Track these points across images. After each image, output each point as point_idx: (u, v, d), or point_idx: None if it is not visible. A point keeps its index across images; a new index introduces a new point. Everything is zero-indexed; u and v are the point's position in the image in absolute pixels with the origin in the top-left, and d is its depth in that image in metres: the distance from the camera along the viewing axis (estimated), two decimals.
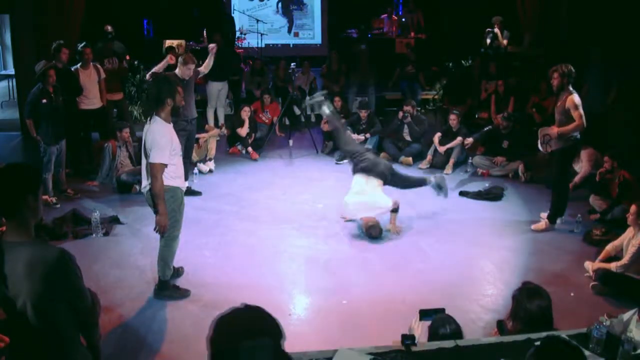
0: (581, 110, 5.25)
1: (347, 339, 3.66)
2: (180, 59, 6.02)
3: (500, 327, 3.23)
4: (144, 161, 4.10)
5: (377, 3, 12.28)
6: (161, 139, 3.93)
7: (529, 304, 2.88)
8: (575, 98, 5.25)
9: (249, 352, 1.52)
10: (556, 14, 9.58)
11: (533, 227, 5.77)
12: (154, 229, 4.11)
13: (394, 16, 12.22)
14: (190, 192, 6.32)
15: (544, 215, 5.88)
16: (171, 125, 4.13)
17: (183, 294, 4.45)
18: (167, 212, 4.06)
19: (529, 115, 8.46)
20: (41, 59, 6.40)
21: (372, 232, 5.50)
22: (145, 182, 4.14)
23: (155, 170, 3.93)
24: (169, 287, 4.42)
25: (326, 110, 6.29)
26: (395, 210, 5.64)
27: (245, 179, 7.19)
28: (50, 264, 2.05)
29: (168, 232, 4.17)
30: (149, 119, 4.11)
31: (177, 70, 6.01)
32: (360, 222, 5.71)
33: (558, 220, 5.75)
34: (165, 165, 3.97)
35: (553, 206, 5.72)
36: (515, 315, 2.95)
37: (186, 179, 6.05)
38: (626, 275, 4.45)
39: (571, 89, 5.33)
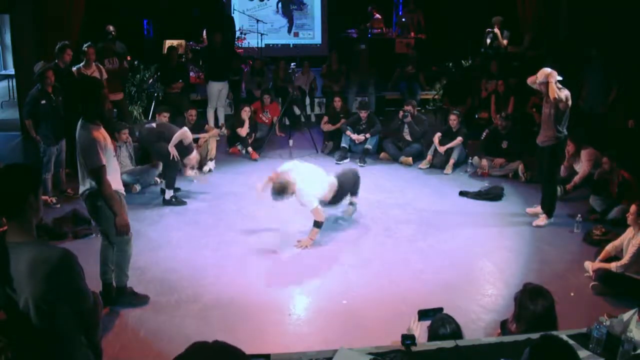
0: (558, 93, 5.39)
1: (347, 339, 3.66)
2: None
3: (503, 328, 3.22)
4: (80, 167, 3.97)
5: (376, 3, 12.26)
6: (90, 142, 3.80)
7: (533, 304, 2.87)
8: (565, 91, 5.48)
9: None
10: (556, 14, 9.58)
11: (534, 223, 5.87)
12: (116, 234, 3.98)
13: (376, 13, 12.09)
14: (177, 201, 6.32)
15: (531, 210, 6.10)
16: (100, 126, 3.93)
17: (142, 300, 4.32)
18: (109, 215, 3.94)
19: (529, 115, 8.46)
20: (41, 59, 6.40)
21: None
22: (83, 188, 4.00)
23: (98, 174, 3.80)
24: (126, 293, 4.29)
25: None
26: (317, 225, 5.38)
27: (245, 179, 7.18)
28: (53, 263, 2.05)
29: (117, 237, 4.06)
30: (79, 123, 3.93)
31: None
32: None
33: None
34: (104, 167, 3.81)
35: (548, 202, 5.88)
36: (519, 317, 2.94)
37: (170, 187, 6.26)
38: (626, 275, 4.45)
39: (560, 85, 5.52)
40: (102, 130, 3.95)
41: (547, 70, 5.49)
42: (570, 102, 5.48)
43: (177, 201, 6.33)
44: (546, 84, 5.43)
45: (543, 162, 5.81)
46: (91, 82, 4.00)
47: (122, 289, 4.29)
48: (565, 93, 5.43)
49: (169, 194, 6.31)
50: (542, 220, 5.87)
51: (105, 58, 7.86)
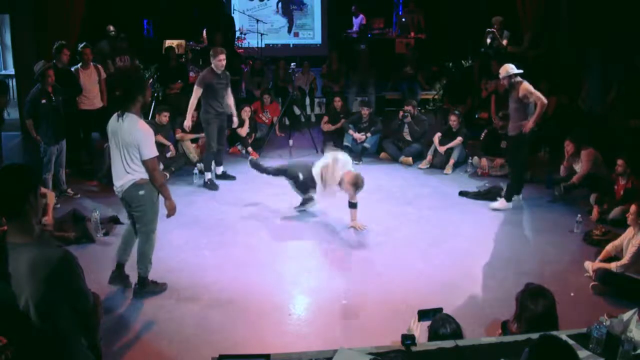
0: (537, 92, 5.80)
1: (347, 339, 3.66)
2: (211, 52, 6.54)
3: (504, 328, 3.22)
4: (117, 160, 4.02)
5: (377, 3, 12.27)
6: (143, 134, 3.88)
7: (534, 305, 2.87)
8: (527, 85, 5.82)
9: None
10: (556, 14, 9.57)
11: (491, 206, 6.29)
12: (167, 216, 4.21)
13: (360, 13, 12.08)
14: (225, 176, 7.11)
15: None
16: (142, 119, 4.04)
17: (162, 287, 4.47)
18: (148, 204, 4.11)
19: None
20: (41, 59, 6.40)
21: None
22: (122, 182, 4.05)
23: (151, 164, 3.94)
24: (148, 283, 4.41)
25: None
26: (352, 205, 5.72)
27: (245, 179, 7.19)
28: (52, 264, 2.05)
29: (148, 225, 4.21)
30: (117, 115, 3.99)
31: (212, 65, 6.48)
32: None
33: (515, 198, 6.33)
34: (157, 156, 3.97)
35: (510, 185, 6.31)
36: (520, 317, 2.94)
37: (220, 163, 7.01)
38: (626, 275, 4.45)
39: (520, 78, 5.88)
40: (144, 122, 4.07)
41: (509, 66, 5.89)
42: (532, 97, 5.78)
43: (226, 176, 7.09)
44: (507, 78, 5.84)
45: (511, 149, 6.26)
46: (138, 76, 4.06)
47: (145, 279, 4.38)
48: (529, 87, 5.78)
49: (213, 173, 6.92)
50: (500, 204, 6.23)
51: (117, 56, 7.86)
